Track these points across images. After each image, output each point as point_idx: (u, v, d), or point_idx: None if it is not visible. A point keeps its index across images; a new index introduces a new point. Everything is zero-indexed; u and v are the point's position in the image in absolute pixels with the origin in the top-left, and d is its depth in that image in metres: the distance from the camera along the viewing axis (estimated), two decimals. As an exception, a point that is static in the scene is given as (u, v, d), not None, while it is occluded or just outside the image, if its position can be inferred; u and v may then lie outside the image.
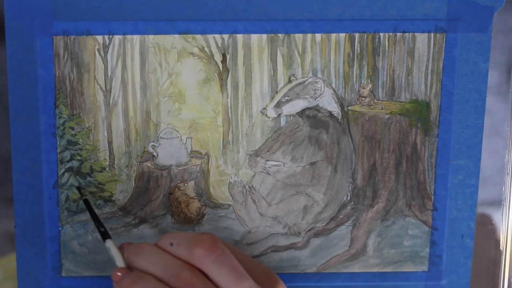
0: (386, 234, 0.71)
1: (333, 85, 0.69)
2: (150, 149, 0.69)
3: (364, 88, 0.69)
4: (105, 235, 0.65)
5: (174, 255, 0.61)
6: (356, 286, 0.72)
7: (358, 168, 0.70)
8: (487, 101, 0.69)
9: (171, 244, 0.61)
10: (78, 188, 0.68)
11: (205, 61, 0.68)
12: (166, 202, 0.70)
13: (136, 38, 0.67)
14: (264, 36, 0.67)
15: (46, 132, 0.68)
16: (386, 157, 0.70)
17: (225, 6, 0.66)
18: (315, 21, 0.67)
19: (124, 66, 0.67)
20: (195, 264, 0.60)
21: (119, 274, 0.62)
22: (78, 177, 0.69)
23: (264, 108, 0.69)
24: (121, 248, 0.63)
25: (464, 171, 0.70)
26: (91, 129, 0.68)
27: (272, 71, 0.68)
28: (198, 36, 0.67)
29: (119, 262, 0.63)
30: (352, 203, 0.71)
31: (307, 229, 0.71)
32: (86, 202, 0.68)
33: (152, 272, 0.61)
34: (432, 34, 0.68)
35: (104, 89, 0.68)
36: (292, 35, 0.67)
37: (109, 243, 0.64)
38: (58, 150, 0.68)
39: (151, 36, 0.67)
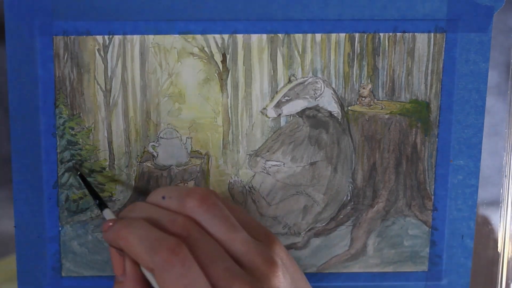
0: (386, 234, 0.71)
1: (333, 85, 0.69)
2: (150, 149, 0.69)
3: (364, 88, 0.69)
4: (101, 206, 0.65)
5: (166, 208, 0.60)
6: (356, 286, 0.72)
7: (358, 168, 0.70)
8: (487, 101, 0.69)
9: (163, 198, 0.60)
10: (74, 165, 0.68)
11: (205, 61, 0.68)
12: (166, 202, 0.70)
13: (136, 38, 0.67)
14: (264, 36, 0.67)
15: (46, 132, 0.68)
16: (386, 157, 0.70)
17: (225, 6, 0.66)
18: (315, 21, 0.67)
19: (124, 66, 0.67)
20: (187, 215, 0.59)
21: (110, 223, 0.61)
22: (78, 177, 0.69)
23: (264, 108, 0.69)
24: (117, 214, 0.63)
25: (464, 171, 0.70)
26: (91, 129, 0.68)
27: (272, 71, 0.68)
28: (198, 36, 0.67)
29: (109, 216, 0.62)
30: (352, 203, 0.71)
31: (307, 229, 0.71)
32: (82, 176, 0.67)
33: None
34: (432, 34, 0.68)
35: (104, 89, 0.68)
36: (292, 35, 0.67)
37: (106, 213, 0.64)
38: (58, 150, 0.68)
39: (151, 36, 0.67)
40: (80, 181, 0.68)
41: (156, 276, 0.57)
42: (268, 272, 0.59)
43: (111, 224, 0.61)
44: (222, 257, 0.58)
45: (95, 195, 0.66)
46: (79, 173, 0.68)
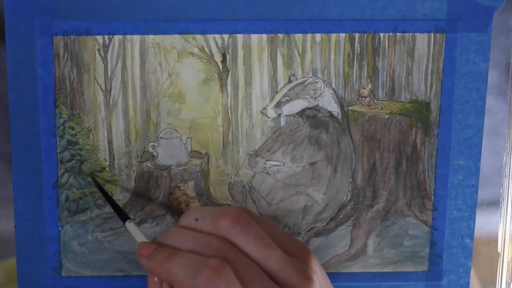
0: (386, 234, 0.71)
1: (333, 85, 0.69)
2: (150, 149, 0.69)
3: (364, 88, 0.69)
4: (124, 217, 0.65)
5: (200, 230, 0.60)
6: (356, 286, 0.72)
7: (358, 168, 0.70)
8: (487, 101, 0.69)
9: (196, 219, 0.61)
10: (92, 176, 0.68)
11: (205, 61, 0.68)
12: (166, 202, 0.70)
13: (136, 38, 0.67)
14: (264, 36, 0.67)
15: (46, 132, 0.68)
16: (386, 157, 0.70)
17: (225, 6, 0.66)
18: (315, 21, 0.67)
19: (124, 66, 0.67)
20: (222, 236, 0.60)
21: (150, 248, 0.61)
22: (78, 177, 0.69)
23: (264, 108, 0.69)
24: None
25: (464, 171, 0.70)
26: (91, 129, 0.68)
27: (272, 71, 0.68)
28: (198, 36, 0.67)
29: (142, 239, 0.62)
30: (352, 203, 0.71)
31: (307, 229, 0.71)
32: (100, 187, 0.68)
33: (181, 247, 0.60)
34: (432, 34, 0.68)
35: (104, 89, 0.68)
36: (292, 35, 0.67)
37: (129, 225, 0.64)
38: (58, 150, 0.68)
39: (151, 36, 0.67)
40: (99, 190, 0.68)
41: None
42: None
43: (150, 248, 0.60)
44: (259, 276, 0.59)
45: (116, 207, 0.66)
46: (98, 184, 0.68)
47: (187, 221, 0.61)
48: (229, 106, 0.68)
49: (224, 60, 0.68)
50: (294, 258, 0.61)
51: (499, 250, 0.75)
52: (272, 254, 0.60)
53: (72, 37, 0.66)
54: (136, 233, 0.63)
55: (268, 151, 0.70)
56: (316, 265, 0.62)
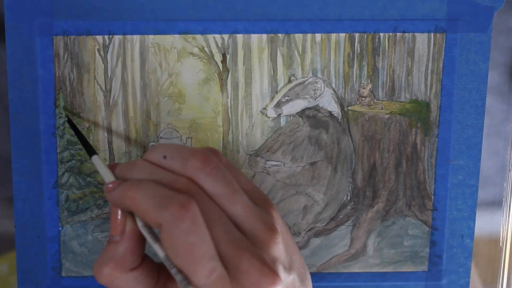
0: (386, 234, 0.71)
1: (333, 85, 0.69)
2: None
3: (364, 88, 0.69)
4: (90, 152, 0.63)
5: (167, 168, 0.59)
6: (356, 286, 0.72)
7: (358, 168, 0.70)
8: (487, 101, 0.69)
9: (164, 157, 0.59)
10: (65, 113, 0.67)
11: (205, 61, 0.68)
12: (166, 202, 0.70)
13: (136, 38, 0.67)
14: (264, 36, 0.67)
15: (46, 132, 0.68)
16: (386, 157, 0.70)
17: (225, 6, 0.66)
18: (315, 21, 0.67)
19: (124, 66, 0.67)
20: (189, 176, 0.58)
21: (116, 182, 0.59)
22: (78, 177, 0.69)
23: (264, 108, 0.69)
24: (111, 167, 0.61)
25: (464, 171, 0.70)
26: (91, 129, 0.68)
27: (272, 71, 0.68)
28: (198, 36, 0.67)
29: (109, 177, 0.60)
30: (352, 203, 0.71)
31: (307, 229, 0.71)
32: (71, 122, 0.67)
33: None
34: (432, 34, 0.68)
35: (104, 89, 0.68)
36: (292, 35, 0.67)
37: (95, 159, 0.62)
38: (58, 150, 0.68)
39: (151, 36, 0.67)
40: (68, 123, 0.67)
41: (163, 232, 0.56)
42: (268, 239, 0.58)
43: (113, 185, 0.59)
44: (222, 219, 0.57)
45: (84, 141, 0.65)
46: (67, 118, 0.67)
47: (155, 157, 0.59)
48: (229, 106, 0.68)
49: (224, 60, 0.68)
50: (259, 207, 0.59)
51: (500, 248, 0.75)
52: (238, 200, 0.58)
53: (72, 37, 0.66)
54: (103, 169, 0.61)
55: (268, 151, 0.70)
56: (279, 217, 0.60)
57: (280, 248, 0.58)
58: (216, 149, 0.60)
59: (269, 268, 0.56)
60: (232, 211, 0.58)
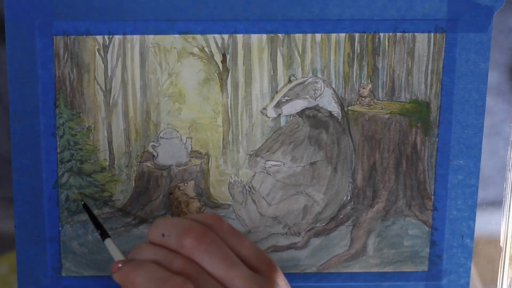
0: (386, 234, 0.71)
1: (333, 85, 0.69)
2: (150, 149, 0.69)
3: (364, 88, 0.69)
4: (104, 235, 0.65)
5: (166, 247, 0.61)
6: (356, 286, 0.72)
7: (358, 168, 0.70)
8: (487, 101, 0.69)
9: (163, 235, 0.61)
10: (80, 193, 0.69)
11: (205, 61, 0.68)
12: (166, 202, 0.70)
13: (136, 38, 0.67)
14: (264, 36, 0.67)
15: (46, 132, 0.68)
16: (386, 157, 0.70)
17: (225, 6, 0.66)
18: (315, 21, 0.67)
19: (124, 66, 0.67)
20: (186, 254, 0.60)
21: (119, 265, 0.61)
22: (78, 177, 0.69)
23: (264, 108, 0.69)
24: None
25: (464, 171, 0.70)
26: (91, 129, 0.68)
27: (272, 71, 0.68)
28: (198, 36, 0.67)
29: (118, 257, 0.63)
30: (352, 203, 0.71)
31: (307, 229, 0.71)
32: (85, 206, 0.68)
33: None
34: (432, 34, 0.68)
35: (104, 89, 0.68)
36: (292, 35, 0.67)
37: (108, 242, 0.64)
38: (58, 150, 0.68)
39: (151, 36, 0.67)
40: (84, 209, 0.68)
41: None
42: None
43: (120, 265, 0.61)
44: None
45: (97, 224, 0.66)
46: (83, 202, 0.68)
47: (154, 236, 0.61)
48: (229, 106, 0.68)
49: (224, 60, 0.68)
50: (258, 275, 0.61)
51: (500, 248, 0.75)
52: (236, 273, 0.59)
53: (72, 37, 0.66)
54: (114, 251, 0.64)
55: (268, 151, 0.70)
56: (280, 280, 0.61)
57: None
58: (216, 216, 0.62)
59: None
60: (232, 285, 0.59)
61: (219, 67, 0.68)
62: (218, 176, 0.70)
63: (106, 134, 0.68)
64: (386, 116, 0.69)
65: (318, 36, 0.67)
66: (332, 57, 0.68)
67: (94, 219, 0.67)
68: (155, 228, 0.61)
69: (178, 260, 0.59)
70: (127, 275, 0.60)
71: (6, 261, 0.83)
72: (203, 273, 0.59)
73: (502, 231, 0.75)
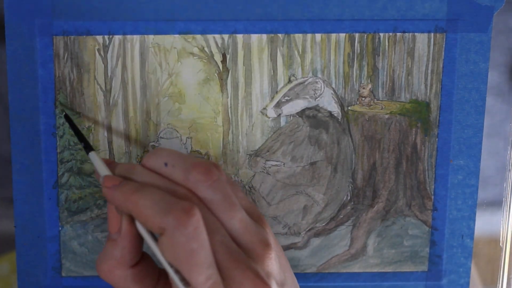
0: (386, 234, 0.71)
1: (333, 85, 0.69)
2: (150, 149, 0.69)
3: (364, 88, 0.69)
4: (88, 148, 0.63)
5: (167, 176, 0.59)
6: (356, 286, 0.72)
7: (358, 168, 0.70)
8: (487, 101, 0.69)
9: (166, 164, 0.59)
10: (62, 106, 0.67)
11: (205, 61, 0.68)
12: (166, 202, 0.70)
13: (136, 38, 0.67)
14: (264, 36, 0.67)
15: (46, 132, 0.68)
16: (386, 157, 0.70)
17: (225, 6, 0.66)
18: (315, 21, 0.67)
19: (124, 66, 0.67)
20: (189, 187, 0.59)
21: (116, 180, 0.59)
22: (78, 177, 0.69)
23: (264, 108, 0.69)
24: (107, 163, 0.61)
25: (464, 171, 0.70)
26: (91, 129, 0.68)
27: (272, 71, 0.68)
28: (198, 36, 0.67)
29: (105, 172, 0.60)
30: (352, 203, 0.71)
31: (307, 229, 0.71)
32: (67, 116, 0.67)
33: None
34: (432, 34, 0.68)
35: (104, 89, 0.68)
36: (292, 35, 0.67)
37: (92, 155, 0.62)
38: (58, 150, 0.68)
39: (151, 36, 0.67)
40: (66, 121, 0.67)
41: (164, 237, 0.56)
42: (263, 254, 0.59)
43: (114, 183, 0.59)
44: (222, 232, 0.58)
45: (81, 137, 0.65)
46: (64, 113, 0.67)
47: (155, 163, 0.59)
48: (229, 106, 0.68)
49: (224, 60, 0.68)
50: (255, 223, 0.60)
51: (502, 249, 0.75)
52: (236, 214, 0.59)
53: (72, 37, 0.66)
54: (99, 165, 0.61)
55: (268, 151, 0.70)
56: (272, 234, 0.61)
57: (274, 264, 0.59)
58: (216, 163, 0.61)
59: (263, 282, 0.57)
60: (230, 224, 0.59)
61: (219, 67, 0.68)
62: (218, 176, 0.70)
63: (106, 134, 0.68)
64: (386, 116, 0.69)
65: (318, 36, 0.67)
66: (332, 57, 0.68)
67: (76, 130, 0.65)
68: (155, 155, 0.60)
69: (181, 190, 0.58)
70: (129, 195, 0.57)
71: (6, 261, 0.83)
72: (204, 207, 0.58)
73: (502, 231, 0.75)
